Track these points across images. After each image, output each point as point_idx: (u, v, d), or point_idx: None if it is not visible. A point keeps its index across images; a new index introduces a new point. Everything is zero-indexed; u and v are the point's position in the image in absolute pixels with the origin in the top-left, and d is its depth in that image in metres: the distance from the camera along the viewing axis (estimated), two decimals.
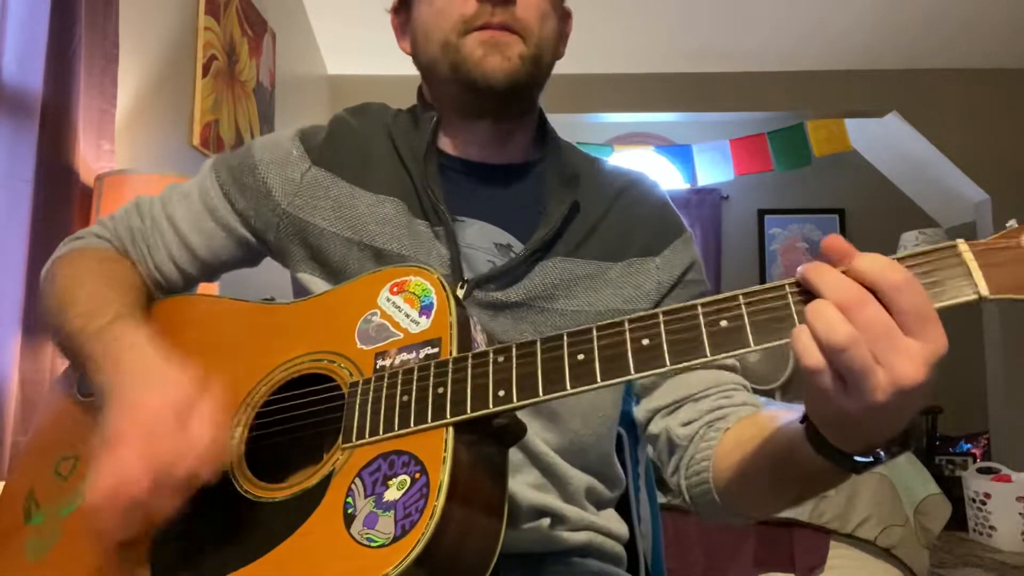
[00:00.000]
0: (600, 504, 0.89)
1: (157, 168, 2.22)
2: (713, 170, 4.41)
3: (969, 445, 4.27)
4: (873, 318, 0.47)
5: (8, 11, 1.58)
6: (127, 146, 2.14)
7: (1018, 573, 3.09)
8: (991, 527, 3.51)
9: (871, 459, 0.54)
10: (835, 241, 0.51)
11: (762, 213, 5.14)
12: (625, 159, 4.70)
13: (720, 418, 0.79)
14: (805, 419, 0.57)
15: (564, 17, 0.90)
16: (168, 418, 0.62)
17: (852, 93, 4.17)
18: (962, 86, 4.13)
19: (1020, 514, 3.44)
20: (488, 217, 0.85)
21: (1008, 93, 4.13)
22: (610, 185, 0.90)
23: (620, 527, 0.90)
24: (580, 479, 0.84)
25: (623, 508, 0.98)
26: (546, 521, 0.81)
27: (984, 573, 3.07)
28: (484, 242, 0.83)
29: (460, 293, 0.79)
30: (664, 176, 4.73)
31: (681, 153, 4.48)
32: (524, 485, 0.80)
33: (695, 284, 0.89)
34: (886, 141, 4.54)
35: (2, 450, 1.48)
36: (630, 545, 0.94)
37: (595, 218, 0.87)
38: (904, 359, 0.47)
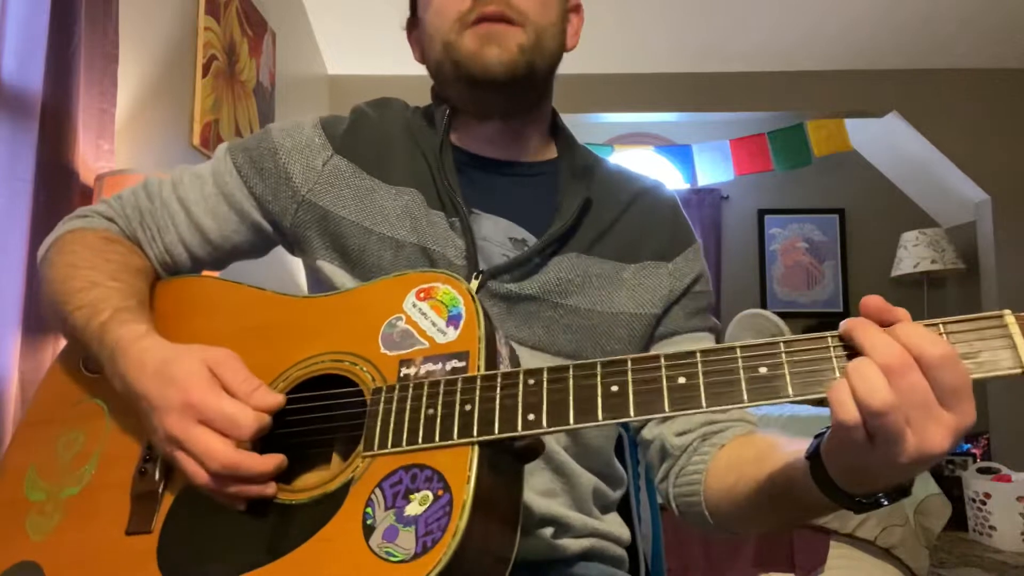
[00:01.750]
0: (605, 507, 0.89)
1: (157, 168, 2.22)
2: (713, 170, 4.40)
3: (969, 445, 4.27)
4: (915, 386, 0.47)
5: (8, 11, 1.58)
6: (127, 146, 2.14)
7: (1018, 573, 3.09)
8: (991, 527, 3.51)
9: (872, 502, 0.55)
10: (874, 300, 0.51)
11: (762, 213, 5.13)
12: (625, 159, 4.70)
13: (715, 432, 0.79)
14: (811, 457, 0.57)
15: (573, 8, 0.90)
16: (204, 393, 0.63)
17: (852, 93, 4.17)
18: (962, 86, 4.13)
19: (1020, 514, 3.43)
20: (503, 212, 0.85)
21: (1008, 93, 4.13)
22: (626, 188, 0.91)
23: (622, 531, 0.90)
24: (588, 479, 0.85)
25: (624, 509, 0.98)
26: (551, 530, 0.81)
27: (984, 573, 3.07)
28: (499, 236, 0.83)
29: (474, 284, 0.79)
30: (664, 176, 4.73)
31: (681, 153, 4.48)
32: (533, 492, 0.79)
33: (703, 296, 0.90)
34: (886, 141, 4.54)
35: (2, 450, 1.48)
36: (630, 546, 0.94)
37: (610, 218, 0.87)
38: (936, 428, 0.48)
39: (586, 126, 4.76)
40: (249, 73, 3.02)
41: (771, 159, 4.29)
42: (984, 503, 3.54)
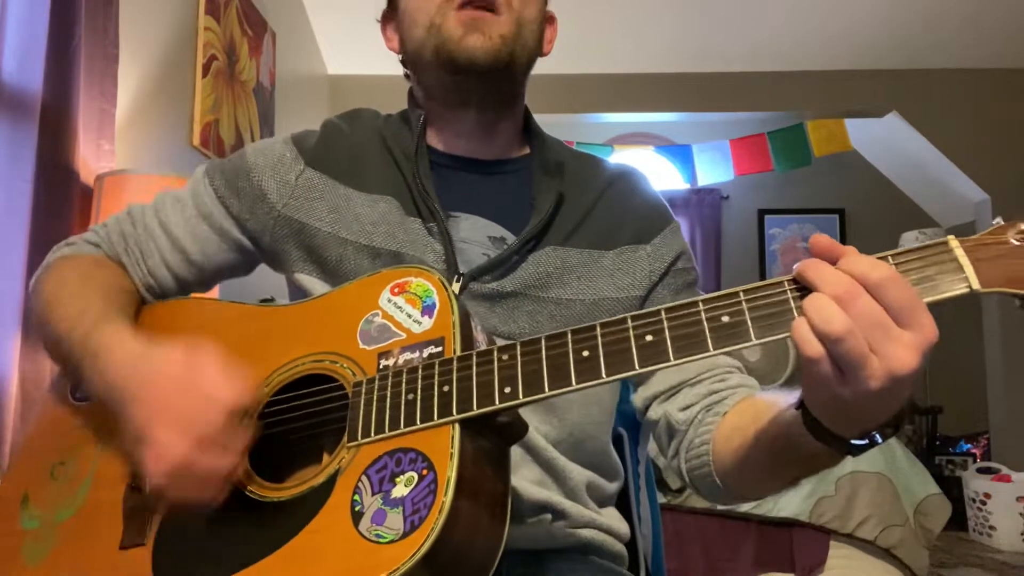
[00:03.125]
0: (601, 500, 0.90)
1: (157, 168, 2.22)
2: (713, 170, 4.41)
3: (969, 445, 4.27)
4: (866, 309, 0.50)
5: (8, 11, 1.58)
6: (127, 146, 2.14)
7: (1018, 573, 3.09)
8: (991, 527, 3.51)
9: (866, 442, 0.56)
10: (822, 240, 0.54)
11: (762, 213, 5.14)
12: (625, 159, 4.71)
13: (717, 402, 0.81)
14: (799, 407, 0.58)
15: (548, 19, 0.92)
16: (181, 383, 0.64)
17: (852, 93, 4.17)
18: (962, 86, 4.13)
19: (1020, 514, 3.44)
20: (481, 211, 0.86)
21: (1008, 93, 4.13)
22: (599, 177, 0.93)
23: (621, 526, 0.91)
24: (580, 474, 0.85)
25: (624, 507, 0.98)
26: (547, 517, 0.82)
27: (984, 573, 3.07)
28: (478, 236, 0.85)
29: (456, 287, 0.80)
30: (664, 176, 4.73)
31: (681, 153, 4.48)
32: (525, 481, 0.80)
33: (686, 272, 0.91)
34: (886, 141, 4.54)
35: (2, 449, 1.49)
36: (630, 544, 0.95)
37: (585, 208, 0.89)
38: (897, 347, 0.49)
39: (586, 126, 4.77)
40: (249, 73, 3.02)
41: (771, 159, 4.29)
42: (984, 503, 3.55)
